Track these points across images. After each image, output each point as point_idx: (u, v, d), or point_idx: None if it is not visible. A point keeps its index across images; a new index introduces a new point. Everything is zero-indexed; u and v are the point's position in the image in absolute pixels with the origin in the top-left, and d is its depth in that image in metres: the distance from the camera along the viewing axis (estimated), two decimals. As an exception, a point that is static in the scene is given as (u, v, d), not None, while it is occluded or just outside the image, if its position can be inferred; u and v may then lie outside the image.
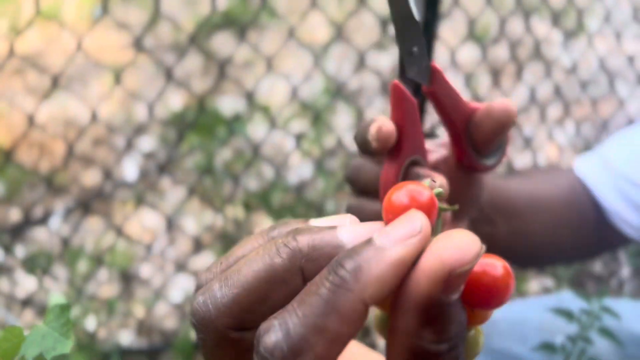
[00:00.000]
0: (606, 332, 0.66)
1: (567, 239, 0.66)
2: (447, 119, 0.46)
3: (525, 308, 0.85)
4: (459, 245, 0.21)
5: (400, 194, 0.24)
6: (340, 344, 0.22)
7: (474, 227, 0.53)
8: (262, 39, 2.14)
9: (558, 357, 0.72)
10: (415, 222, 0.23)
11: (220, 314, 0.25)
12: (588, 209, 0.67)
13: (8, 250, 1.41)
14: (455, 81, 1.88)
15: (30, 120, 1.14)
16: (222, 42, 2.12)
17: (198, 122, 1.39)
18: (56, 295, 0.27)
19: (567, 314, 0.68)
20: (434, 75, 0.44)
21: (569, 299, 0.81)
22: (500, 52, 1.87)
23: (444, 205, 0.25)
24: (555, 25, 1.65)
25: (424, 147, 0.44)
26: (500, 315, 0.84)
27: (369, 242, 0.23)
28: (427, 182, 0.25)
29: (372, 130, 0.41)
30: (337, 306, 0.22)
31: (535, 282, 1.49)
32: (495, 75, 1.53)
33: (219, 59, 1.88)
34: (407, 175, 0.44)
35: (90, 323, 1.29)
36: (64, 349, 0.25)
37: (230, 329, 0.25)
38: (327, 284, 0.22)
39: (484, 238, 0.52)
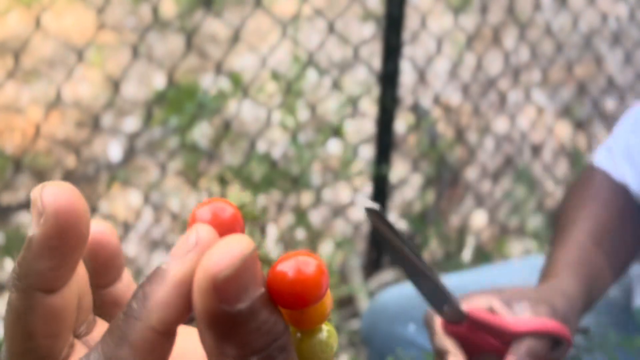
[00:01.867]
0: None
1: (624, 249, 0.71)
2: (491, 348, 0.57)
3: (495, 273, 0.85)
4: (222, 250, 0.20)
5: (202, 211, 0.23)
6: None
7: None
8: (242, 15, 2.13)
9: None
10: (191, 236, 0.22)
11: None
12: (629, 211, 0.72)
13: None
14: (428, 47, 1.86)
15: (11, 105, 1.13)
16: (202, 22, 2.10)
17: (170, 99, 1.39)
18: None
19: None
20: (468, 315, 0.55)
21: (538, 262, 0.82)
22: (474, 16, 1.85)
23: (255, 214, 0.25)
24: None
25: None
26: (471, 281, 0.84)
27: (158, 267, 0.22)
28: (232, 196, 0.24)
29: None
30: (128, 336, 0.21)
31: (517, 245, 1.50)
32: (470, 40, 1.53)
33: (201, 38, 1.87)
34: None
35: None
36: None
37: None
38: (121, 316, 0.22)
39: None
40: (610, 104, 1.79)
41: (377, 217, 0.48)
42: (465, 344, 0.56)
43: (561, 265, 0.65)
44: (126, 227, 1.48)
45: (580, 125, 1.76)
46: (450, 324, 0.56)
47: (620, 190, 0.73)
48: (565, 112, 1.77)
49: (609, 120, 1.75)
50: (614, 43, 1.82)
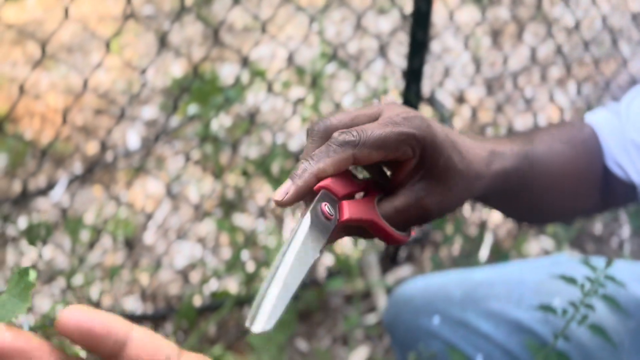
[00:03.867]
0: (610, 300, 0.65)
1: (579, 201, 0.67)
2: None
3: (522, 270, 0.84)
4: None
5: None
6: None
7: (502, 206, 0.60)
8: (260, 4, 2.12)
9: (554, 319, 0.72)
10: None
11: None
12: (598, 167, 0.66)
13: (11, 221, 1.42)
14: (455, 43, 1.84)
15: (30, 91, 1.13)
16: (223, 11, 2.10)
17: (194, 90, 1.39)
18: (27, 268, 0.28)
19: (570, 280, 0.66)
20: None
21: (565, 260, 0.81)
22: (501, 12, 1.84)
23: None
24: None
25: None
26: (497, 277, 0.84)
27: None
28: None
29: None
30: None
31: (534, 244, 1.50)
32: (496, 36, 1.51)
33: (219, 26, 1.87)
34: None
35: (94, 291, 1.31)
36: (20, 311, 0.26)
37: None
38: None
39: (510, 214, 0.62)
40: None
41: None
42: None
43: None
44: (145, 216, 1.48)
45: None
46: None
47: (597, 150, 0.66)
48: (587, 110, 1.76)
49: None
50: (638, 42, 1.80)
